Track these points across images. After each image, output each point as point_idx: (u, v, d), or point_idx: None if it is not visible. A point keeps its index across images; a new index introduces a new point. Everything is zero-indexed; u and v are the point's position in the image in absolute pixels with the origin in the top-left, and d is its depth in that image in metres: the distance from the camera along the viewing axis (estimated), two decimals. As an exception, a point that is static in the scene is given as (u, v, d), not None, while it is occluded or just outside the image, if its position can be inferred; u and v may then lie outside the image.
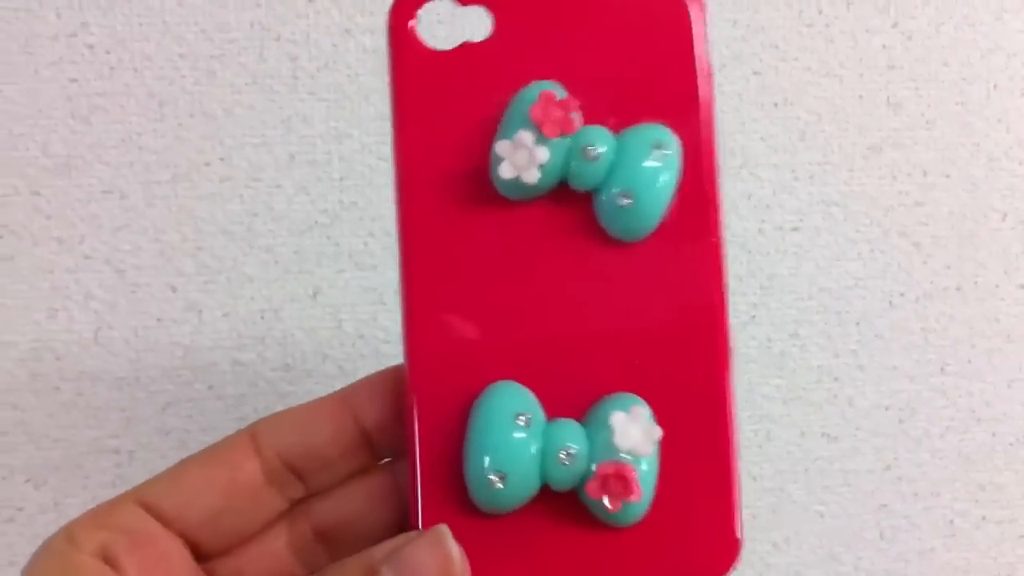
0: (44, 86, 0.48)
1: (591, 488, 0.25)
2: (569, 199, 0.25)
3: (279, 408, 0.48)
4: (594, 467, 0.25)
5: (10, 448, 0.49)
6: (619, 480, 0.24)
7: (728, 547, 0.25)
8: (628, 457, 0.25)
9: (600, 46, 0.26)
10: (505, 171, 0.24)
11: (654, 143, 0.25)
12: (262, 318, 0.50)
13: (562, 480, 0.25)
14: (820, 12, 0.53)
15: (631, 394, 0.26)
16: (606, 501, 0.25)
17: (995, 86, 0.54)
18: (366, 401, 0.28)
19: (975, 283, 0.55)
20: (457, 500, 0.26)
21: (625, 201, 0.25)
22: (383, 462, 0.29)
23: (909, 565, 0.56)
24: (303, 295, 0.50)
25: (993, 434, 0.56)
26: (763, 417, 0.54)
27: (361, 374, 0.49)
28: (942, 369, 0.55)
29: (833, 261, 0.54)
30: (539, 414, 0.25)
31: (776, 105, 0.52)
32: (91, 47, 0.48)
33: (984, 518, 0.57)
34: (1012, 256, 0.55)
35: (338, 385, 0.49)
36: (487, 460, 0.25)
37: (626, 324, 0.26)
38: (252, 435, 0.28)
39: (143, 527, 0.26)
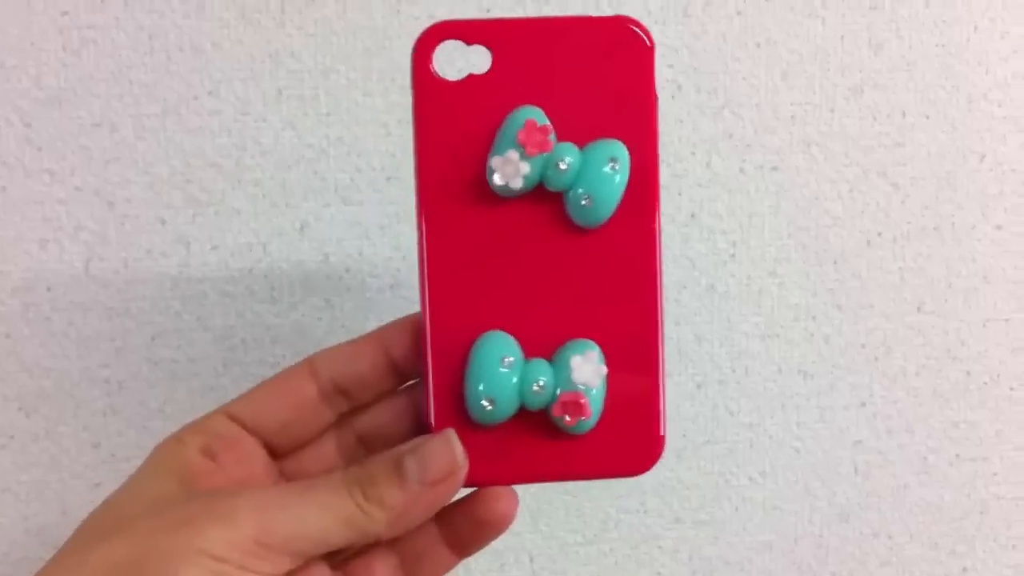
0: (36, 18, 0.48)
1: (555, 409, 0.34)
2: (545, 197, 0.34)
3: (265, 339, 0.50)
4: (558, 394, 0.34)
5: (2, 377, 0.50)
6: (575, 404, 0.34)
7: (654, 444, 0.35)
8: (582, 387, 0.34)
9: (573, 77, 0.34)
10: (497, 179, 0.33)
11: (610, 156, 0.34)
12: (250, 251, 0.51)
13: (535, 404, 0.34)
14: (803, -47, 0.54)
15: (587, 340, 0.35)
16: (566, 419, 0.34)
17: (976, 28, 0.54)
18: (395, 340, 0.36)
19: (952, 224, 0.56)
20: (459, 414, 0.34)
21: (586, 201, 0.34)
22: (405, 385, 0.37)
23: (883, 500, 0.57)
24: (290, 229, 0.51)
25: (968, 373, 0.57)
26: (741, 353, 0.55)
27: (347, 307, 0.50)
28: (918, 308, 0.56)
29: (812, 200, 0.54)
30: (519, 355, 0.34)
31: (759, 45, 0.53)
32: (81, -19, 0.49)
33: (958, 456, 0.58)
34: (989, 197, 0.56)
35: (324, 317, 0.51)
36: (481, 388, 0.34)
37: (585, 288, 0.35)
38: (310, 363, 0.36)
39: (232, 432, 0.35)
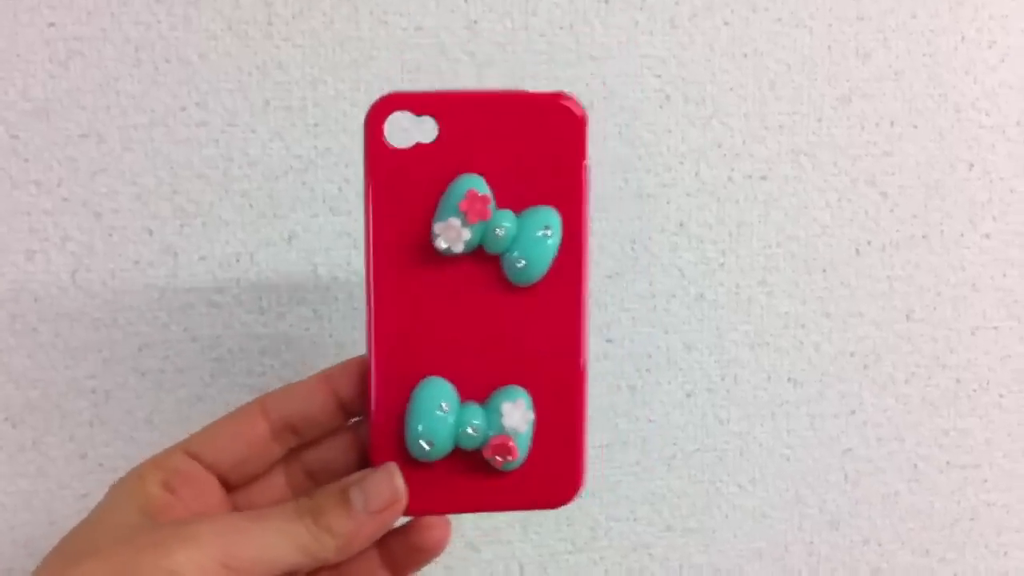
0: (23, 30, 0.48)
1: (486, 451, 0.37)
2: (484, 258, 0.37)
3: (253, 350, 0.50)
4: (490, 436, 0.37)
5: (-10, 388, 0.50)
6: (504, 447, 0.37)
7: (575, 481, 0.39)
8: (511, 431, 0.37)
9: (513, 146, 0.36)
10: (440, 243, 0.36)
11: (544, 223, 0.36)
12: (237, 261, 0.51)
13: (468, 445, 0.37)
14: (791, -37, 0.54)
15: (518, 387, 0.38)
16: (496, 459, 0.37)
17: (963, 38, 0.54)
18: (342, 380, 0.39)
19: (941, 232, 0.56)
20: (399, 450, 0.37)
21: (521, 264, 0.36)
22: (351, 422, 0.40)
23: (873, 508, 0.57)
24: (278, 239, 0.51)
25: (957, 380, 0.57)
26: (731, 362, 0.55)
27: (335, 317, 0.50)
28: (907, 316, 0.56)
29: (801, 209, 0.54)
30: (455, 400, 0.37)
31: (746, 55, 0.53)
32: (67, -9, 0.49)
33: (948, 463, 0.58)
34: (978, 205, 0.56)
35: (313, 328, 0.51)
36: (420, 428, 0.37)
37: (517, 340, 0.37)
38: (261, 403, 0.39)
39: (190, 468, 0.37)
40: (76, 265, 0.50)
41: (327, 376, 0.39)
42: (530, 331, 0.38)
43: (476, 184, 0.36)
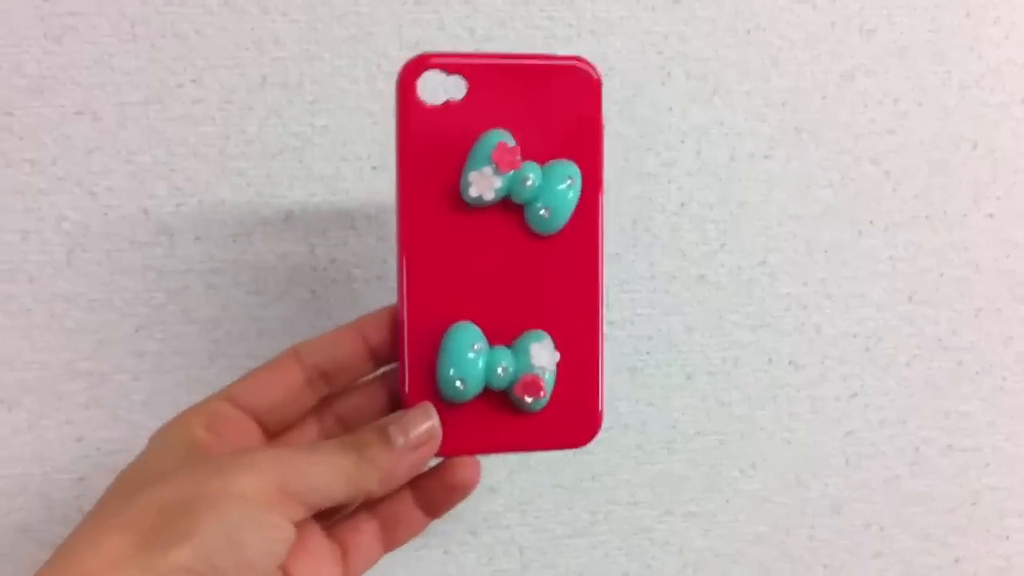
0: (16, 6, 0.48)
1: (516, 389, 0.39)
2: (510, 208, 0.39)
3: (251, 331, 0.49)
4: (519, 376, 0.39)
5: (-16, 369, 0.49)
6: (534, 385, 0.39)
7: (594, 420, 0.41)
8: (539, 370, 0.39)
9: (535, 105, 0.39)
10: (472, 192, 0.38)
11: (566, 175, 0.39)
12: (234, 241, 0.50)
13: (498, 385, 0.39)
14: (794, -61, 0.53)
15: (542, 331, 0.40)
16: (526, 397, 0.39)
17: (968, 14, 0.54)
18: (372, 329, 0.40)
19: (944, 212, 0.55)
20: (431, 395, 0.39)
21: (545, 212, 0.39)
22: (380, 372, 0.42)
23: (875, 492, 0.57)
24: (275, 219, 0.50)
25: (959, 363, 0.57)
26: (731, 344, 0.54)
27: (332, 298, 0.50)
28: (910, 298, 0.56)
29: (803, 189, 0.54)
30: (485, 343, 0.39)
31: (748, 31, 0.53)
32: (61, -33, 0.48)
33: (950, 446, 0.58)
34: (981, 185, 0.55)
35: (310, 309, 0.50)
36: (453, 371, 0.39)
37: (540, 286, 0.40)
38: (295, 352, 0.40)
39: (231, 412, 0.39)
40: (72, 245, 0.49)
41: (358, 324, 0.41)
42: (551, 278, 0.40)
43: (505, 138, 0.38)
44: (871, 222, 0.55)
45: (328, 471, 0.36)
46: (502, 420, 0.40)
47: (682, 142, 0.53)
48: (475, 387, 0.39)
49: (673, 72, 0.52)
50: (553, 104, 0.39)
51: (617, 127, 0.52)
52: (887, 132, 0.54)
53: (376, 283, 0.51)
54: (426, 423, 0.38)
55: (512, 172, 0.38)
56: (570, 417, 0.41)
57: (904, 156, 0.54)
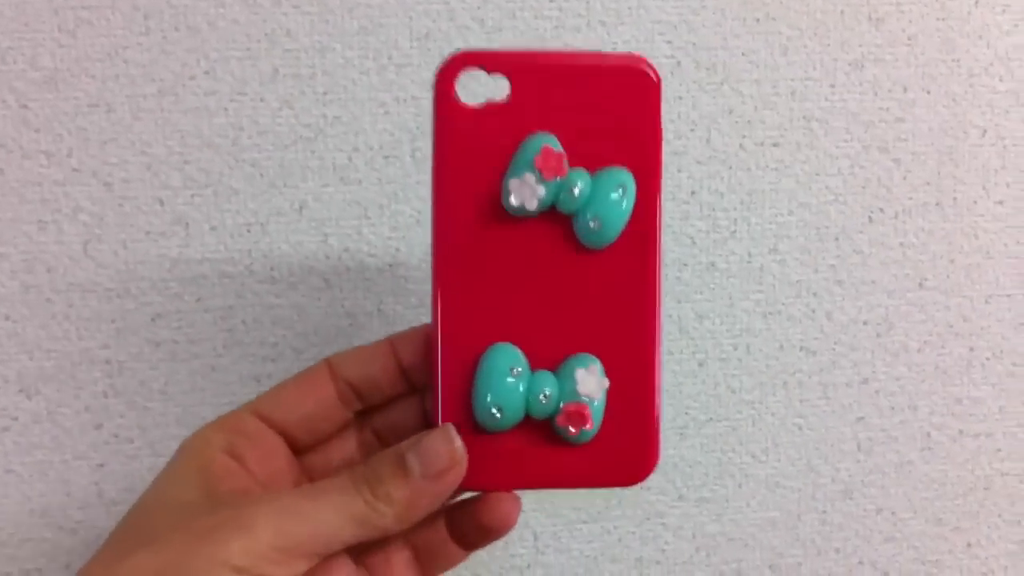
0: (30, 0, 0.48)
1: (559, 419, 0.36)
2: (556, 219, 0.36)
3: (265, 320, 0.50)
4: (562, 405, 0.36)
5: (3, 359, 0.50)
6: (578, 415, 0.35)
7: (650, 457, 0.37)
8: (585, 399, 0.35)
9: (586, 107, 0.35)
10: (513, 200, 0.35)
11: (618, 183, 0.35)
12: (248, 231, 0.51)
13: (540, 413, 0.36)
14: (803, -73, 0.53)
15: (590, 355, 0.36)
16: (570, 429, 0.35)
17: (976, 2, 0.54)
18: (405, 348, 0.38)
19: (954, 199, 0.55)
20: (465, 421, 0.36)
21: (595, 224, 0.35)
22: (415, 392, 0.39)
23: (886, 477, 0.57)
24: (288, 209, 0.51)
25: (971, 348, 0.57)
26: (743, 331, 0.55)
27: (346, 287, 0.50)
28: (920, 284, 0.56)
29: (813, 176, 0.54)
30: (526, 367, 0.36)
31: (758, 20, 0.53)
32: (76, -39, 0.49)
33: (961, 432, 0.58)
34: (991, 172, 0.55)
35: (324, 297, 0.51)
36: (490, 397, 0.35)
37: (589, 306, 0.36)
38: (328, 365, 0.38)
39: (258, 428, 0.37)
40: (88, 236, 0.50)
41: (393, 341, 0.39)
42: (602, 296, 0.36)
43: (551, 142, 0.35)
44: (881, 209, 0.55)
45: (334, 516, 0.33)
46: (544, 453, 0.36)
47: (692, 131, 0.53)
48: (514, 415, 0.35)
49: (682, 61, 0.52)
50: (605, 106, 0.36)
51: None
52: (896, 120, 0.54)
53: (389, 271, 0.51)
54: (448, 448, 0.35)
55: (558, 179, 0.35)
56: (621, 451, 0.37)
57: (913, 143, 0.54)
